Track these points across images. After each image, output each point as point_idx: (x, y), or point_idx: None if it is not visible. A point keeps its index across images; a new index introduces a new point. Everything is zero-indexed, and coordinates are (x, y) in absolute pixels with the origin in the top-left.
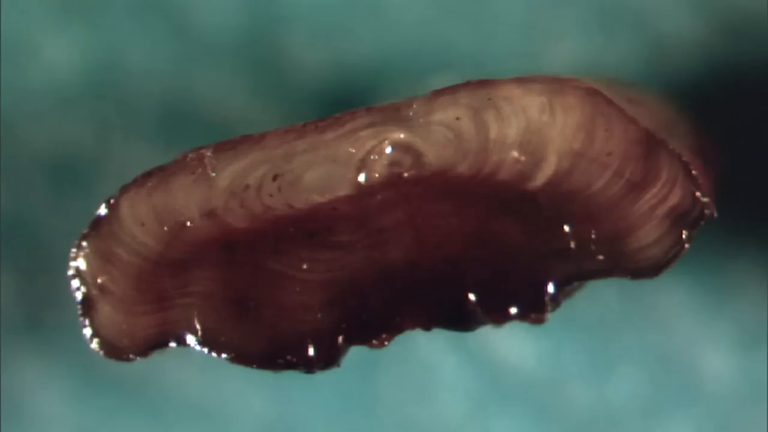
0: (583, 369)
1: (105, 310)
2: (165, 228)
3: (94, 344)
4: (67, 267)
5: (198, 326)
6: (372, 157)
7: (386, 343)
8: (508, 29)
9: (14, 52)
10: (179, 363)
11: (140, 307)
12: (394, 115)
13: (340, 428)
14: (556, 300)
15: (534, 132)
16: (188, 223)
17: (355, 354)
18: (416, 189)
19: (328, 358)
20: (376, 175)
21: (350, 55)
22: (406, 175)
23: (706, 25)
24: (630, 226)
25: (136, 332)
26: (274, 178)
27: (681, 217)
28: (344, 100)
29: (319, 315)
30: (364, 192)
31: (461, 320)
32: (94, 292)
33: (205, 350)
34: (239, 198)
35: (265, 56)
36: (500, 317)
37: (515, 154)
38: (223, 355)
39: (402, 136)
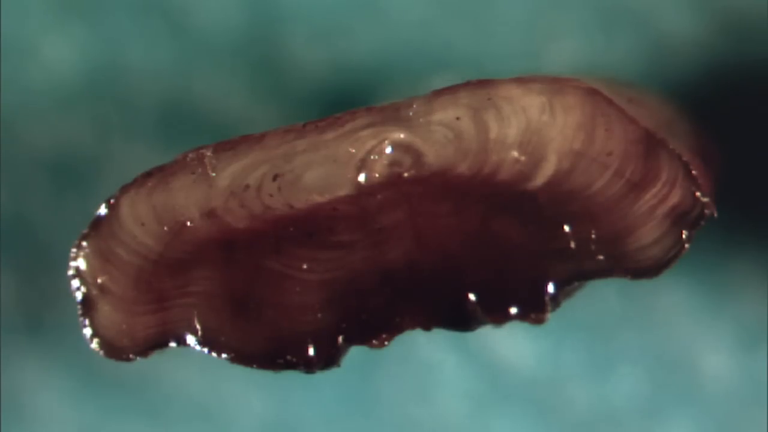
0: (583, 369)
1: (105, 310)
2: (165, 228)
3: (94, 344)
4: (67, 267)
5: (198, 326)
6: (372, 157)
7: (386, 343)
8: (508, 29)
9: (14, 52)
10: (179, 363)
11: (140, 307)
12: (394, 115)
13: (340, 428)
14: (556, 300)
15: (534, 132)
16: (188, 223)
17: (355, 354)
18: (416, 189)
19: (328, 358)
20: (376, 175)
21: (350, 55)
22: (406, 175)
23: (706, 25)
24: (630, 226)
25: (136, 332)
26: (274, 178)
27: (681, 217)
28: (344, 100)
29: (319, 315)
30: (364, 192)
31: (461, 320)
32: (94, 292)
33: (205, 350)
34: (239, 198)
35: (265, 56)
36: (500, 317)
37: (515, 154)
38: (223, 355)
39: (402, 136)
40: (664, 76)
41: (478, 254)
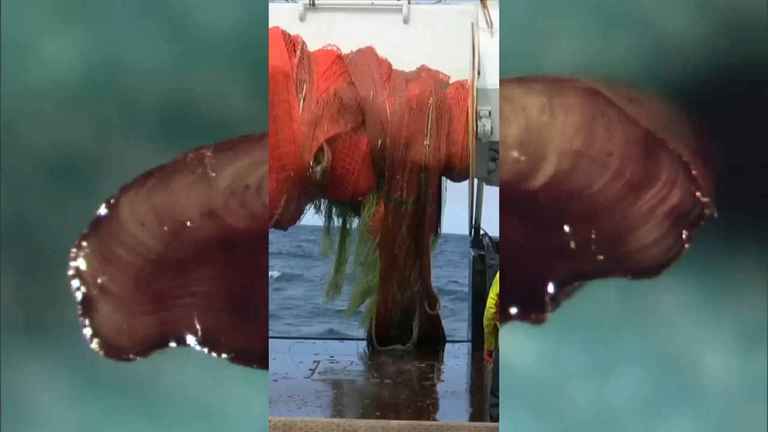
0: (583, 369)
1: (105, 310)
2: (165, 228)
3: (94, 344)
4: (67, 267)
5: (198, 326)
6: None
7: None
8: (508, 29)
9: (14, 52)
10: (179, 363)
11: (140, 307)
12: None
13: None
14: (556, 300)
15: (534, 132)
16: (188, 223)
17: None
18: None
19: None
20: None
21: None
22: None
23: (706, 25)
24: (630, 226)
25: (136, 332)
26: None
27: (681, 217)
28: None
29: None
30: None
31: None
32: (94, 292)
33: (205, 350)
34: (239, 198)
35: (265, 56)
36: (500, 317)
37: (515, 153)
38: (223, 355)
39: None
40: (664, 76)
41: None
